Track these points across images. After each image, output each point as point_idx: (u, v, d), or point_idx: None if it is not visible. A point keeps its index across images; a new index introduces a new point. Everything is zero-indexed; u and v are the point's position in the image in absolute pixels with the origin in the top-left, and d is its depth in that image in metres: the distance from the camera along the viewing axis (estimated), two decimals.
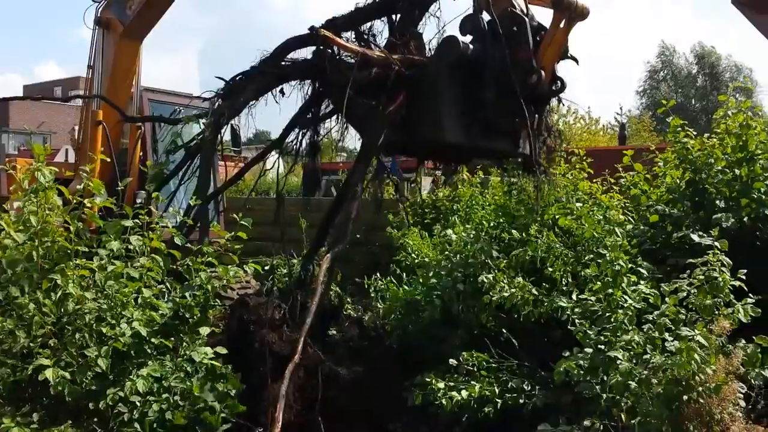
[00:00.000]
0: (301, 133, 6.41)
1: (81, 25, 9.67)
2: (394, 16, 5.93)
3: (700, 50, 53.42)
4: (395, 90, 5.42)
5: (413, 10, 5.82)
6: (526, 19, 5.41)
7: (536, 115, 5.75)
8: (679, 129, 6.74)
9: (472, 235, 6.97)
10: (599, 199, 7.15)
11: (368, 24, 5.90)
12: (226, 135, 12.23)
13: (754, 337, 4.56)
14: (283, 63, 6.10)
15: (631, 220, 6.89)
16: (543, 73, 5.38)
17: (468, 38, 5.38)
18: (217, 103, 6.32)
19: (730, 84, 42.96)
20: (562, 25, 5.39)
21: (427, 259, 7.85)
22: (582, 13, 5.45)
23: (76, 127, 11.17)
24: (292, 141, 6.44)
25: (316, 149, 6.63)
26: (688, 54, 54.36)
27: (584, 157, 7.72)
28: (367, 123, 5.58)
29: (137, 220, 4.69)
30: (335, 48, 5.59)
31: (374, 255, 10.03)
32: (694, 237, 5.69)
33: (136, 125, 9.70)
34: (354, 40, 5.89)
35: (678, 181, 6.75)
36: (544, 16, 5.64)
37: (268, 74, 6.09)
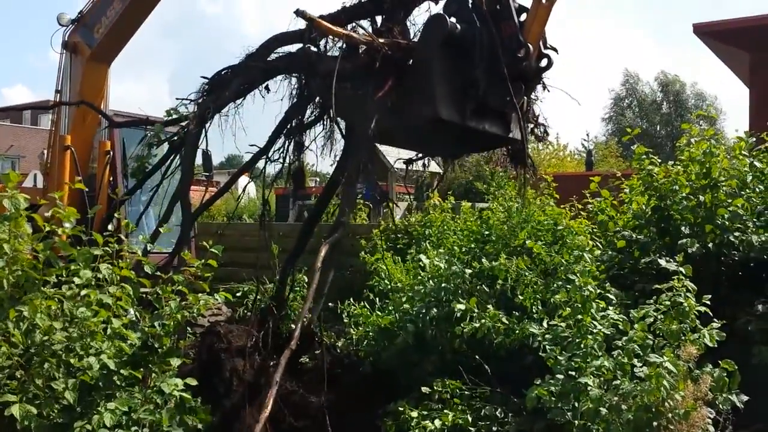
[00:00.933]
0: (287, 141, 6.34)
1: (49, 49, 9.61)
2: (378, 18, 5.92)
3: (664, 78, 54.71)
4: (383, 76, 5.39)
5: (398, 12, 5.82)
6: None
7: (525, 96, 5.75)
8: (644, 156, 6.89)
9: (444, 261, 7.02)
10: (568, 225, 7.29)
11: (352, 24, 5.86)
12: (198, 159, 12.23)
13: (720, 362, 4.65)
14: (268, 59, 6.05)
15: (599, 245, 7.00)
16: (530, 47, 5.40)
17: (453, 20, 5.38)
18: (201, 99, 6.21)
19: (694, 112, 44.04)
20: (544, 1, 5.44)
21: (400, 285, 7.88)
22: None
23: (45, 151, 11.04)
24: (278, 149, 6.37)
25: (299, 171, 6.58)
26: (653, 82, 55.70)
27: (551, 183, 7.87)
28: (357, 112, 5.51)
29: (107, 248, 4.63)
30: (322, 40, 5.59)
31: (347, 280, 10.01)
32: (661, 262, 5.78)
33: (105, 150, 9.63)
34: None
35: (644, 207, 6.88)
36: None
37: (253, 68, 6.01)
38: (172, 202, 6.36)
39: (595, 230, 7.34)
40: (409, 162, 6.93)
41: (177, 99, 6.18)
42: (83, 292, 4.36)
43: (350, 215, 5.58)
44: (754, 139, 6.91)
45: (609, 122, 54.74)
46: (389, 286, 8.18)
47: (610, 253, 6.75)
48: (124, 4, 8.77)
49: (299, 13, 4.96)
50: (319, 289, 5.15)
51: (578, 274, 5.38)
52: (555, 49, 5.68)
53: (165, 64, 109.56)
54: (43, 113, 49.01)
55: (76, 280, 4.34)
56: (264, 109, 6.21)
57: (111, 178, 9.69)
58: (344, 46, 5.50)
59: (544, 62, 5.63)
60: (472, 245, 8.25)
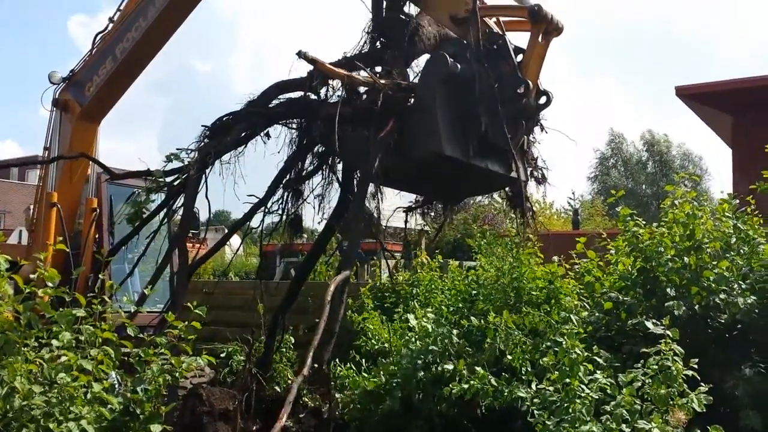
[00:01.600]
0: (286, 192, 6.32)
1: (39, 106, 9.70)
2: (378, 68, 5.98)
3: (650, 138, 55.60)
4: (385, 116, 5.41)
5: (398, 61, 5.89)
6: (505, 36, 5.57)
7: (526, 135, 5.76)
8: (629, 218, 6.95)
9: (432, 321, 6.97)
10: (561, 283, 7.30)
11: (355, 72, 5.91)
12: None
13: (708, 427, 4.60)
14: (269, 105, 6.07)
15: (587, 305, 6.99)
16: (530, 83, 5.44)
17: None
18: (203, 142, 6.17)
19: (678, 173, 44.60)
20: (540, 39, 5.52)
21: (387, 345, 7.80)
22: (558, 27, 5.58)
23: (32, 206, 10.99)
24: (277, 200, 6.35)
25: (297, 219, 6.56)
26: (638, 142, 56.53)
27: (536, 242, 7.90)
28: (359, 154, 5.51)
29: (90, 309, 4.58)
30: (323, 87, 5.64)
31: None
32: (648, 324, 5.78)
33: (92, 208, 9.60)
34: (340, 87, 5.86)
35: (630, 268, 6.91)
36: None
37: (255, 114, 6.03)
38: (168, 252, 6.27)
39: (582, 291, 7.34)
40: (408, 210, 6.92)
41: (177, 149, 6.14)
42: (63, 357, 4.27)
43: (358, 250, 5.57)
44: (737, 201, 6.99)
45: (595, 181, 55.35)
46: (376, 347, 8.10)
47: (597, 314, 6.74)
48: (115, 64, 8.89)
49: (301, 55, 5.02)
50: (330, 326, 5.05)
51: (566, 337, 5.35)
52: (547, 93, 5.75)
53: (154, 120, 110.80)
54: (31, 169, 49.04)
55: (55, 342, 4.26)
56: (258, 159, 6.23)
57: (97, 236, 9.65)
58: (345, 90, 5.55)
59: (543, 99, 5.68)
60: (460, 305, 8.22)
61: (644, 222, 7.03)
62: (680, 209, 6.74)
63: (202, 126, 6.19)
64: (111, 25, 9.13)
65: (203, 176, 6.10)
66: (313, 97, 5.76)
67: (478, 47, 5.38)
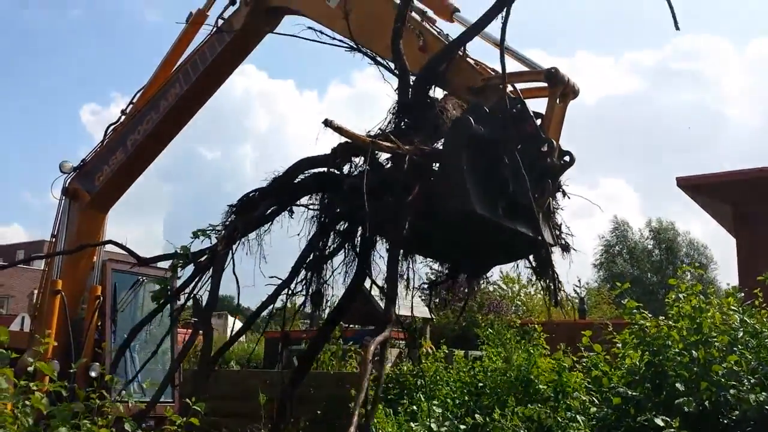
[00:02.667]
0: (309, 273, 6.29)
1: (47, 190, 9.89)
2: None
3: (657, 226, 55.73)
4: (411, 182, 5.43)
5: (423, 138, 5.97)
6: (523, 100, 5.67)
7: (551, 197, 5.75)
8: (635, 311, 6.90)
9: (438, 415, 6.83)
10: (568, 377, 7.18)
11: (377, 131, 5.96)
12: (189, 302, 12.12)
13: None
14: (295, 181, 6.12)
15: (595, 401, 6.85)
16: (554, 142, 5.48)
17: None
18: (230, 219, 6.19)
19: (683, 262, 44.44)
20: (558, 101, 5.60)
21: None
22: (574, 90, 5.65)
23: (36, 291, 10.99)
24: (300, 281, 6.30)
25: (318, 292, 6.51)
26: (644, 229, 56.64)
27: (541, 333, 7.83)
28: (387, 221, 5.50)
29: (89, 403, 4.51)
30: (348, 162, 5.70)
31: None
32: (658, 421, 5.65)
33: (96, 295, 9.58)
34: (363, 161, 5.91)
35: (638, 362, 6.81)
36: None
37: (281, 190, 6.07)
38: (194, 331, 6.22)
39: (589, 385, 7.21)
40: (432, 285, 6.85)
41: (210, 225, 6.19)
42: None
43: (396, 311, 5.47)
44: (742, 294, 6.96)
45: (600, 268, 55.17)
46: None
47: (606, 410, 6.59)
48: (126, 155, 9.10)
49: (326, 123, 5.07)
50: (376, 389, 4.86)
51: None
52: (569, 153, 5.81)
53: (161, 206, 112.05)
54: (36, 253, 49.30)
55: None
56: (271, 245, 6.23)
57: (99, 323, 9.59)
58: (369, 160, 5.62)
59: (566, 158, 5.74)
60: (466, 398, 8.07)
61: (650, 314, 6.97)
62: (686, 303, 6.70)
63: (228, 205, 6.26)
64: (123, 117, 9.42)
65: (230, 253, 6.12)
66: (337, 172, 5.86)
67: (500, 110, 5.50)
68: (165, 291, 6.78)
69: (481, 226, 5.41)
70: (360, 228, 5.79)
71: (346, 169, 6.01)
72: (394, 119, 6.16)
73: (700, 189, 14.77)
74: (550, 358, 7.66)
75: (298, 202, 6.29)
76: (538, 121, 5.65)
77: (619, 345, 7.12)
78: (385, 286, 5.70)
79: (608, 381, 6.96)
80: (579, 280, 36.25)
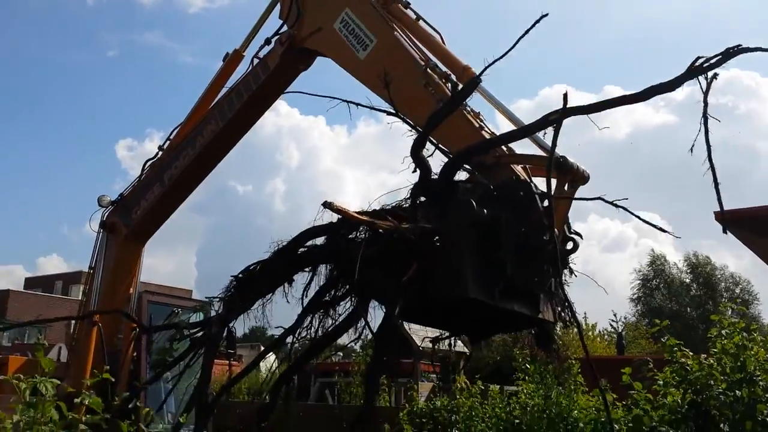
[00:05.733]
0: (314, 319, 6.28)
1: (84, 223, 10.18)
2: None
3: (694, 260, 54.47)
4: (409, 258, 5.39)
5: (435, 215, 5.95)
6: (531, 182, 5.62)
7: (554, 278, 5.66)
8: (675, 348, 6.72)
9: None
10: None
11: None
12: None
13: None
14: (297, 252, 6.13)
15: None
16: (556, 231, 5.43)
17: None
18: (228, 294, 6.23)
19: (723, 297, 43.25)
20: (566, 188, 5.56)
21: None
22: (584, 177, 5.65)
23: (73, 322, 11.13)
24: (305, 326, 6.30)
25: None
26: (681, 263, 55.38)
27: (579, 369, 7.64)
28: (383, 294, 5.48)
29: None
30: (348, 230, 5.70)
31: None
32: None
33: (131, 327, 9.67)
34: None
35: (679, 401, 6.60)
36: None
37: (282, 263, 6.10)
38: (191, 400, 6.24)
39: (630, 423, 7.00)
40: (435, 341, 6.81)
41: (206, 298, 6.27)
42: None
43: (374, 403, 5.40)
44: None
45: (638, 303, 53.99)
46: None
47: None
48: (163, 189, 9.27)
49: (326, 205, 5.13)
50: None
51: None
52: (579, 234, 5.76)
53: (194, 237, 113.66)
54: (74, 284, 50.22)
55: None
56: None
57: (135, 354, 9.69)
58: (370, 233, 5.62)
59: (569, 245, 5.68)
60: None
61: (691, 352, 6.78)
62: (729, 340, 6.50)
63: (231, 276, 6.31)
64: (160, 153, 9.61)
65: (225, 329, 6.20)
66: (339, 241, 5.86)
67: (504, 193, 5.49)
68: (162, 362, 6.92)
69: (477, 306, 5.34)
70: (360, 293, 5.74)
71: (351, 236, 6.01)
72: (411, 196, 6.14)
73: (742, 223, 14.44)
74: (588, 395, 7.47)
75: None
76: (547, 201, 5.65)
77: (660, 383, 6.92)
78: (378, 342, 5.65)
79: (649, 420, 6.75)
80: (614, 314, 35.58)
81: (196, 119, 9.26)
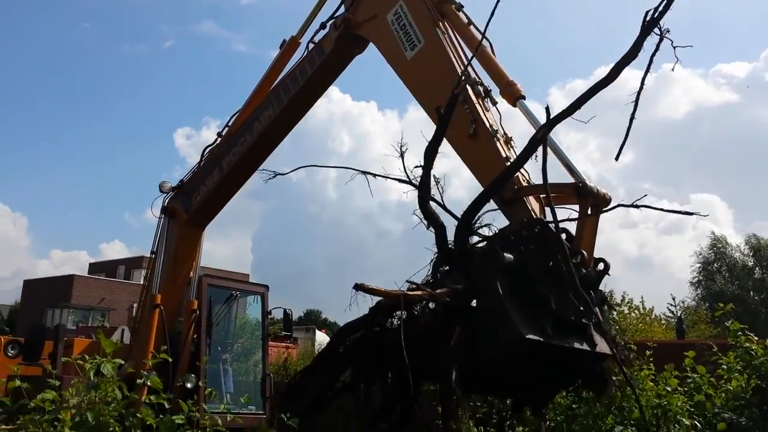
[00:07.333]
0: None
1: (144, 210, 10.48)
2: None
3: (756, 242, 52.67)
4: (451, 325, 5.32)
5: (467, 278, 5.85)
6: (541, 217, 5.59)
7: (597, 304, 5.52)
8: (740, 333, 6.56)
9: None
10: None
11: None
12: (278, 315, 12.31)
13: None
14: (340, 350, 6.12)
15: (698, 424, 6.52)
16: (584, 253, 5.35)
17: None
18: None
19: None
20: (589, 212, 5.48)
21: None
22: (605, 199, 5.58)
23: (135, 305, 11.47)
24: None
25: None
26: (743, 246, 53.61)
27: (648, 356, 7.43)
28: (436, 368, 5.39)
29: (190, 415, 4.65)
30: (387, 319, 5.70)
31: None
32: None
33: (191, 309, 9.88)
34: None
35: (744, 386, 6.45)
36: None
37: (327, 370, 6.12)
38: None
39: (692, 409, 6.86)
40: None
41: None
42: None
43: None
44: None
45: (698, 287, 52.56)
46: None
47: None
48: (221, 175, 9.44)
49: (357, 287, 5.05)
50: None
51: None
52: (603, 260, 5.63)
53: (249, 223, 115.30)
54: (136, 268, 51.75)
55: None
56: None
57: (195, 336, 9.91)
58: (405, 312, 5.51)
59: (601, 266, 5.59)
60: (559, 418, 7.80)
61: (756, 337, 6.61)
62: None
63: (279, 393, 6.33)
64: (219, 139, 9.78)
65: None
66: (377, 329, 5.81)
67: (523, 233, 5.39)
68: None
69: (534, 352, 5.08)
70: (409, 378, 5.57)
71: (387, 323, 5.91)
72: (432, 267, 6.02)
73: None
74: (650, 381, 7.31)
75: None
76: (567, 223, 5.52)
77: (725, 367, 6.77)
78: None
79: (712, 406, 6.62)
80: (673, 298, 34.76)
81: (253, 106, 9.39)
